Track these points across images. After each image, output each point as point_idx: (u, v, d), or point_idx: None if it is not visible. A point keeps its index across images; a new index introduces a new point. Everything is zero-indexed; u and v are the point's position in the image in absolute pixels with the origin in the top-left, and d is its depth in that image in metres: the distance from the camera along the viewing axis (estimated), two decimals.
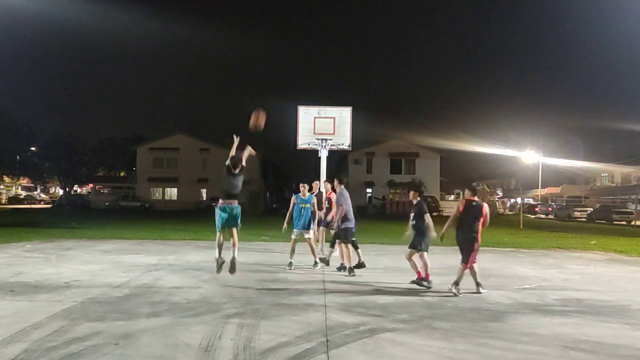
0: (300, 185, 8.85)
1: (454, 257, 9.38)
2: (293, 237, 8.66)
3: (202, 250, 10.88)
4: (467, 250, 6.58)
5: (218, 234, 7.01)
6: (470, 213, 6.60)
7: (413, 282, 7.19)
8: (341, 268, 8.26)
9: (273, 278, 7.57)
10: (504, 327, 4.96)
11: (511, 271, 8.84)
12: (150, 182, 48.22)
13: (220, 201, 6.91)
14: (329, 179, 10.69)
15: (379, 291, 6.69)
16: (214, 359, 3.86)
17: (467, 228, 6.60)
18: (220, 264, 6.85)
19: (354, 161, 46.76)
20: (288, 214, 8.76)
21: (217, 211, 6.93)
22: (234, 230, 6.96)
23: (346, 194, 8.35)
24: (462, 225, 6.64)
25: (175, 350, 4.05)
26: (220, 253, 6.89)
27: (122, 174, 63.80)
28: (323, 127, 12.87)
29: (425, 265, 7.11)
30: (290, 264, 8.54)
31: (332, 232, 8.67)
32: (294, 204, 8.66)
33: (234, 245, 6.92)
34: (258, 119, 7.30)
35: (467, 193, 6.85)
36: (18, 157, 50.53)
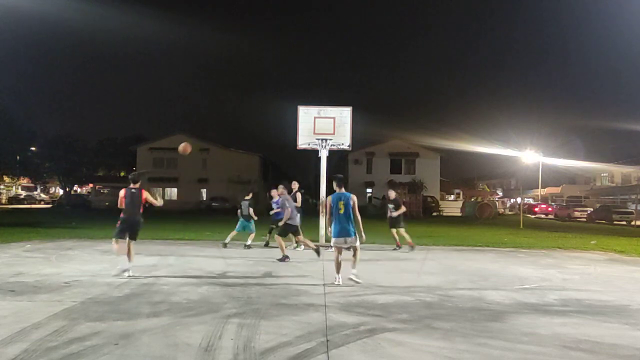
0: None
1: (454, 258, 9.40)
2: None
3: (202, 250, 10.87)
4: None
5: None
6: None
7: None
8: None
9: (273, 278, 7.57)
10: (504, 327, 4.95)
11: (511, 271, 8.83)
12: (150, 182, 48.18)
13: None
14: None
15: (379, 291, 6.68)
16: (214, 359, 3.86)
17: None
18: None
19: (354, 161, 46.72)
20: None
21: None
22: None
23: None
24: None
25: (175, 350, 4.05)
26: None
27: (122, 174, 63.78)
28: (323, 127, 12.89)
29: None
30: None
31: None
32: None
33: None
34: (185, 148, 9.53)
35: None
36: (18, 157, 50.49)
